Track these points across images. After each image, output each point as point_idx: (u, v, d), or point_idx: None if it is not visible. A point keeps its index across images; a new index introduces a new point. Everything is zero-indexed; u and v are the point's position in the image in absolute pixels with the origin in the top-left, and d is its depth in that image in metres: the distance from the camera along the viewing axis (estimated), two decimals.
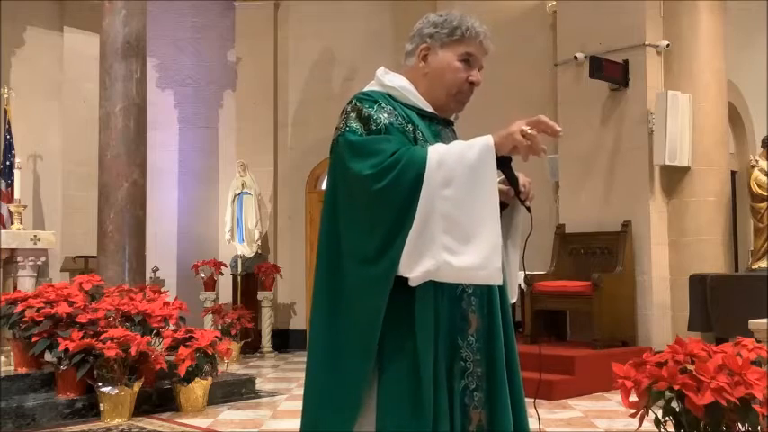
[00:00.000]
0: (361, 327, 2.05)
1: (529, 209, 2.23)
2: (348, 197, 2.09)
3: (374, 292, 2.02)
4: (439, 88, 2.23)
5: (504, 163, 2.17)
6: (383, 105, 2.16)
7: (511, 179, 2.21)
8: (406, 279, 2.02)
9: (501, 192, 2.25)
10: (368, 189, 2.01)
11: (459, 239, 1.97)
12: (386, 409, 2.04)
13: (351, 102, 2.19)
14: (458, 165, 1.98)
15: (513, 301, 2.32)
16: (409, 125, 2.15)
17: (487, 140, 2.01)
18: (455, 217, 1.97)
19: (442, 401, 2.05)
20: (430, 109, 2.23)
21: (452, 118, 2.34)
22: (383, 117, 2.13)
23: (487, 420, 2.14)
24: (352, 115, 2.15)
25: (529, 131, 2.00)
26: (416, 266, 1.98)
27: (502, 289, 2.23)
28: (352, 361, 2.07)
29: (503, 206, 2.29)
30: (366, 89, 2.26)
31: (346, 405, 2.07)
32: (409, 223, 1.97)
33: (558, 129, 2.03)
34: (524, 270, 2.29)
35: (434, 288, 2.06)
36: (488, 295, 2.19)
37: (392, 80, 2.25)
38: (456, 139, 2.25)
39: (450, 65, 2.21)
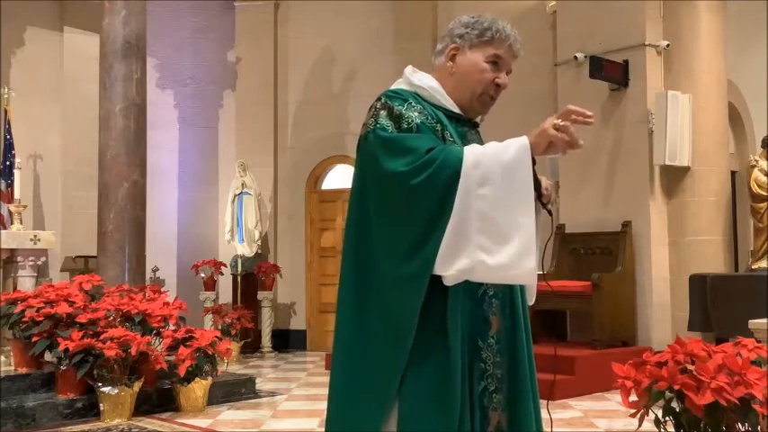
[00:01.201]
0: (396, 325, 2.04)
1: (550, 212, 2.23)
2: (381, 194, 2.08)
3: (410, 290, 2.01)
4: (464, 88, 2.22)
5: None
6: (413, 104, 2.15)
7: (534, 182, 2.20)
8: (437, 278, 2.01)
9: None
10: (403, 185, 2.00)
11: (495, 239, 1.96)
12: (413, 408, 2.03)
13: (380, 99, 2.17)
14: (494, 165, 1.98)
15: (531, 302, 2.31)
16: (438, 125, 2.15)
17: (523, 141, 2.00)
18: (491, 217, 1.97)
19: (465, 403, 2.04)
20: (457, 110, 2.22)
21: (478, 119, 2.33)
22: (414, 116, 2.11)
23: (507, 422, 2.13)
24: (383, 113, 2.13)
25: (561, 123, 2.00)
26: (452, 265, 1.97)
27: (521, 291, 2.23)
28: (385, 359, 2.05)
29: None
30: (394, 87, 2.25)
31: (379, 403, 2.05)
32: (444, 221, 1.97)
33: (590, 114, 2.02)
34: (543, 272, 2.27)
35: (458, 290, 2.05)
36: (510, 297, 2.18)
37: (421, 79, 2.24)
38: (481, 140, 2.25)
39: (477, 65, 2.21)
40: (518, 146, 2.00)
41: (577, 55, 8.07)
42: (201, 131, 11.20)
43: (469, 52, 2.21)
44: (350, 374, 2.12)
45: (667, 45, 7.85)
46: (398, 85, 2.26)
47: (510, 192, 1.97)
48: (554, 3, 8.83)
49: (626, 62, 7.81)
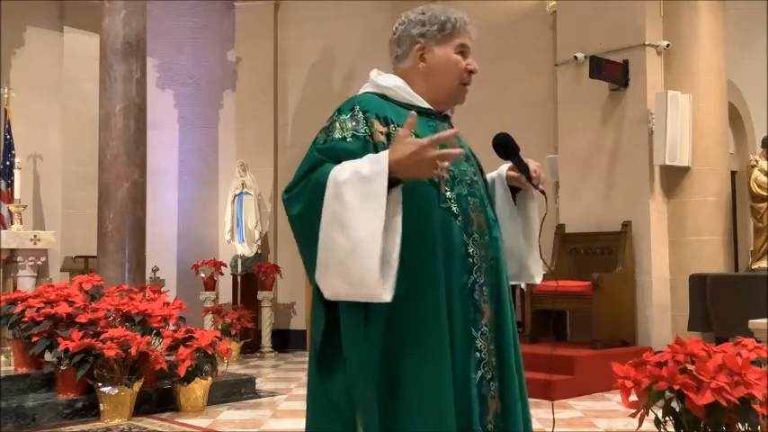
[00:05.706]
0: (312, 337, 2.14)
1: (543, 192, 2.28)
2: None
3: (317, 300, 2.09)
4: (443, 84, 2.24)
5: (513, 153, 2.25)
6: (356, 113, 2.11)
7: (520, 167, 2.27)
8: (417, 276, 2.03)
9: (513, 178, 2.33)
10: (287, 213, 2.07)
11: (350, 271, 1.92)
12: (410, 406, 2.03)
13: (336, 109, 2.19)
14: (353, 198, 1.93)
15: (539, 281, 2.39)
16: (390, 126, 2.12)
17: (384, 189, 1.91)
18: (350, 244, 1.92)
19: (460, 396, 2.05)
20: (426, 105, 2.23)
21: (448, 112, 2.35)
22: (347, 126, 2.09)
23: (501, 409, 2.16)
24: (326, 124, 2.17)
25: (437, 154, 1.92)
26: (326, 288, 2.01)
27: (506, 276, 2.26)
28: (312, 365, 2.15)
29: (515, 190, 2.37)
30: (360, 92, 2.26)
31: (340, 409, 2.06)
32: (315, 254, 1.99)
33: (456, 130, 2.02)
34: (542, 257, 2.36)
35: (445, 280, 2.06)
36: (497, 282, 2.20)
37: (386, 80, 2.24)
38: None
39: (450, 59, 2.22)
40: (380, 194, 1.90)
41: (577, 55, 8.06)
42: (201, 131, 11.19)
43: (437, 48, 2.22)
44: (314, 378, 2.15)
45: (667, 45, 7.85)
46: (365, 89, 2.26)
47: (364, 217, 1.91)
48: (554, 3, 8.82)
49: (626, 62, 7.81)
